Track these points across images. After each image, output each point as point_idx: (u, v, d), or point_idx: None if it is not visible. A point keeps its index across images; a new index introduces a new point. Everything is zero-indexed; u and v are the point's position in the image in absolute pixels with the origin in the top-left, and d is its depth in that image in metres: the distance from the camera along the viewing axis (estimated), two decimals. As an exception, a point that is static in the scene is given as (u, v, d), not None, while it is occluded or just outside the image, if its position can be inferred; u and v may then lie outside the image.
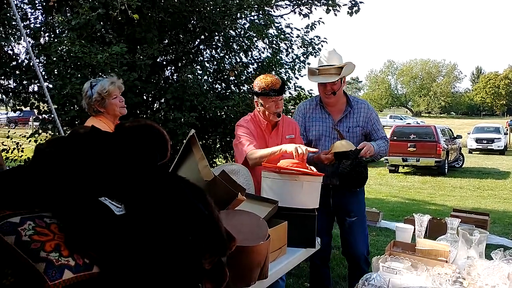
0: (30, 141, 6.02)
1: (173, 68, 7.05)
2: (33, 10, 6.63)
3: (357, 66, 3.53)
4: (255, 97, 3.26)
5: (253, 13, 7.00)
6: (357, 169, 3.26)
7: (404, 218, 6.80)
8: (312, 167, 2.92)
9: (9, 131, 7.34)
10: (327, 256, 3.80)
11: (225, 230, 1.66)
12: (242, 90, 6.70)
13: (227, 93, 6.65)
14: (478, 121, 40.76)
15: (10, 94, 6.64)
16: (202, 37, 6.86)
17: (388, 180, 14.54)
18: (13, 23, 5.90)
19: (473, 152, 25.46)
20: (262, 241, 1.99)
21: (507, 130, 29.29)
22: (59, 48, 5.14)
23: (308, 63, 7.13)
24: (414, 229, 2.76)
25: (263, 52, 7.21)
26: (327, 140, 3.54)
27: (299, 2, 7.25)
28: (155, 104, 6.64)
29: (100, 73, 5.04)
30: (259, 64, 6.93)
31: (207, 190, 1.79)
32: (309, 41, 7.19)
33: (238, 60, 7.12)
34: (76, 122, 5.49)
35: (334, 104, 3.54)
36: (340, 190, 3.48)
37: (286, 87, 6.87)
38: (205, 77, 6.53)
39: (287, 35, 7.14)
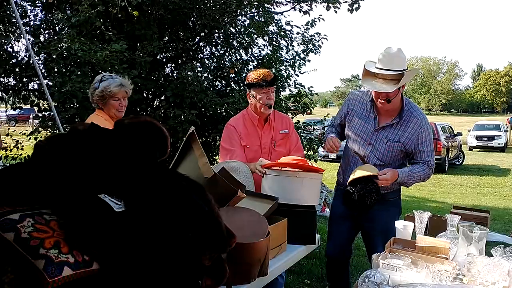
0: (30, 138, 6.01)
1: (173, 65, 7.03)
2: (32, 8, 6.61)
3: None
4: (248, 90, 3.33)
5: (253, 10, 6.98)
6: (363, 196, 2.92)
7: (404, 215, 6.79)
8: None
9: (8, 129, 7.34)
10: (347, 260, 3.50)
11: (225, 227, 1.66)
12: (242, 87, 6.68)
13: (227, 90, 6.64)
14: (478, 119, 40.79)
15: (10, 91, 6.64)
16: (202, 34, 6.85)
17: (388, 178, 14.49)
18: (13, 20, 5.89)
19: (473, 150, 25.46)
20: (262, 238, 1.99)
21: (507, 127, 29.28)
22: (59, 46, 5.13)
23: (309, 60, 7.12)
24: (414, 226, 2.76)
25: (263, 49, 7.20)
26: (361, 148, 3.17)
27: (299, -1, 7.23)
28: (155, 102, 6.63)
29: (100, 71, 5.04)
30: (259, 61, 6.91)
31: (207, 187, 1.78)
32: (309, 38, 7.16)
33: (238, 57, 7.10)
34: (76, 120, 5.48)
35: (386, 109, 3.11)
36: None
37: (286, 84, 6.88)
38: (205, 74, 6.51)
39: (287, 32, 7.12)
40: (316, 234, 2.78)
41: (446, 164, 16.21)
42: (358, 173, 2.96)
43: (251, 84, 3.25)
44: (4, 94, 6.82)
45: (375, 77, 3.01)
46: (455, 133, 18.85)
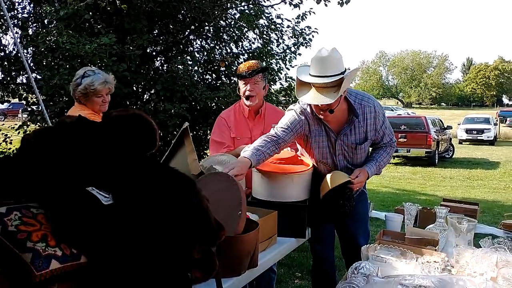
0: (19, 132, 5.98)
1: (163, 58, 7.01)
2: (20, 0, 6.56)
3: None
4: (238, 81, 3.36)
5: (243, 3, 6.97)
6: (343, 206, 2.68)
7: (394, 208, 6.83)
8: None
9: (-3, 123, 7.30)
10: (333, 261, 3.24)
11: (214, 219, 1.66)
12: (232, 81, 6.67)
13: (218, 84, 6.63)
14: (468, 112, 41.06)
15: (-1, 85, 6.59)
16: (192, 27, 6.82)
17: (379, 171, 14.55)
18: (0, 13, 5.82)
19: (463, 143, 25.63)
20: (239, 216, 1.98)
21: (496, 120, 29.54)
22: (47, 39, 5.09)
23: (299, 54, 7.13)
24: (404, 218, 2.78)
25: (253, 43, 7.20)
26: (329, 160, 2.86)
27: (290, -8, 7.21)
28: (145, 95, 6.61)
29: (89, 64, 5.00)
30: (250, 54, 6.90)
31: None
32: (300, 31, 7.17)
33: (229, 50, 7.10)
34: (65, 113, 5.45)
35: (332, 119, 2.74)
36: None
37: (277, 77, 6.87)
38: (196, 68, 6.49)
39: (277, 26, 7.12)
40: (307, 228, 2.79)
41: (436, 158, 16.32)
42: (330, 183, 2.68)
43: (237, 75, 3.31)
44: (-8, 88, 6.76)
45: (310, 87, 2.60)
46: (445, 127, 18.95)
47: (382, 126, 2.82)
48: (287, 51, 7.14)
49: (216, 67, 6.83)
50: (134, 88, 6.21)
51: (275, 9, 7.29)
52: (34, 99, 6.03)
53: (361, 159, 2.88)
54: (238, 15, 6.93)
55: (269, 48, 6.91)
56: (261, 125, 3.30)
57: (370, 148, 3.01)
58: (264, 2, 7.27)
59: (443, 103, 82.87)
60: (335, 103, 2.56)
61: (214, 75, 6.95)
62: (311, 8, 7.26)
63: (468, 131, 25.73)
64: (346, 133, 2.78)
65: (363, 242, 2.83)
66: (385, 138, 2.87)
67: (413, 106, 75.99)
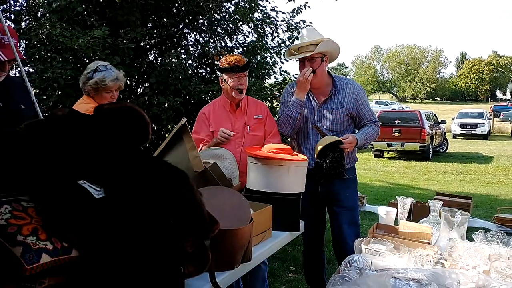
0: (11, 126, 5.93)
1: (156, 52, 6.95)
2: (13, -7, 6.47)
3: (343, 51, 3.30)
4: (220, 75, 3.38)
5: (237, -4, 6.92)
6: (336, 163, 3.11)
7: (388, 202, 6.86)
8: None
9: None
10: (321, 243, 3.65)
11: (207, 213, 1.65)
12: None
13: (212, 78, 6.59)
14: (462, 107, 41.18)
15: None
16: (186, 20, 6.77)
17: (373, 165, 14.63)
18: (-8, 6, 5.77)
19: (457, 137, 25.75)
20: (245, 224, 1.98)
21: (490, 115, 29.67)
22: (40, 32, 5.04)
23: (294, 48, 7.10)
24: (397, 212, 2.78)
25: (248, 36, 7.16)
26: (309, 129, 3.41)
27: (284, -15, 7.17)
28: (139, 89, 6.56)
29: (82, 57, 4.96)
30: (244, 48, 6.87)
31: (196, 181, 1.77)
32: (295, 25, 7.14)
33: (223, 44, 7.05)
34: (59, 107, 5.41)
35: (317, 85, 3.35)
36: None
37: (271, 71, 6.86)
38: (190, 61, 6.45)
39: (272, 19, 7.08)
40: (300, 221, 2.78)
41: (430, 152, 16.39)
42: (322, 143, 3.11)
43: (223, 69, 3.28)
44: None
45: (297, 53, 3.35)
46: (439, 121, 19.03)
47: (363, 104, 3.40)
48: (282, 45, 7.11)
49: (210, 61, 6.79)
50: (128, 81, 6.16)
51: (269, 2, 7.24)
52: (27, 93, 5.97)
53: (339, 125, 3.36)
54: (233, 8, 6.89)
55: (263, 41, 6.88)
56: (243, 118, 3.33)
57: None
58: (259, -6, 7.22)
59: (437, 98, 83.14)
60: (316, 64, 3.27)
61: (208, 69, 6.91)
62: (306, 2, 7.24)
63: (462, 125, 25.84)
64: (326, 100, 3.38)
65: (349, 231, 3.34)
66: (367, 116, 3.43)
67: (407, 100, 76.19)
